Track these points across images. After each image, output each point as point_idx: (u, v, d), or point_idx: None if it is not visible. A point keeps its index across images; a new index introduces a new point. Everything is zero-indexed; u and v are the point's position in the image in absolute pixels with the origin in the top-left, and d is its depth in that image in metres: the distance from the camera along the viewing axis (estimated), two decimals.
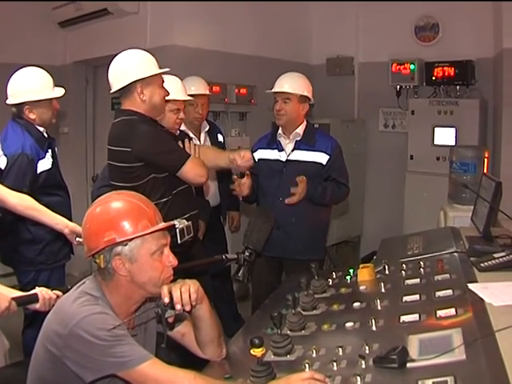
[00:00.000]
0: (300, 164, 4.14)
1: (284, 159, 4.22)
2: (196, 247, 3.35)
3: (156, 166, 3.32)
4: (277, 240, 3.95)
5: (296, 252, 4.15)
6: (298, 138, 4.22)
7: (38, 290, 2.51)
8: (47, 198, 3.74)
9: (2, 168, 3.76)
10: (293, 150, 4.21)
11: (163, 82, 3.47)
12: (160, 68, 3.44)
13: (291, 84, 4.18)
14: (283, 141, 4.28)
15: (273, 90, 4.24)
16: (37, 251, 3.91)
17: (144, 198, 2.20)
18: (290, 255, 4.18)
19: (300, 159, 4.16)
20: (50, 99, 3.94)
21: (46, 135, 4.00)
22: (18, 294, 2.50)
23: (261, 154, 4.32)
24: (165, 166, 3.35)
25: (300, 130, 4.24)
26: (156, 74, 3.39)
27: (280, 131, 4.30)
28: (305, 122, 4.29)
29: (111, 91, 3.45)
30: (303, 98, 4.21)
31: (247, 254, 2.81)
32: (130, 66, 3.36)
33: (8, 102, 3.90)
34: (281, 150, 4.26)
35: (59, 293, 2.51)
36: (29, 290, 2.57)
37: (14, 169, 3.72)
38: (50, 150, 3.98)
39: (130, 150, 3.26)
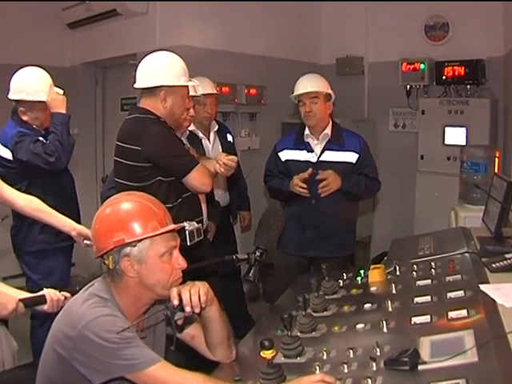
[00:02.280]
0: (331, 165, 4.10)
1: (314, 160, 4.17)
2: (202, 249, 3.33)
3: (163, 168, 3.31)
4: (311, 241, 4.06)
5: (329, 250, 4.16)
6: (328, 139, 4.19)
7: (45, 292, 2.51)
8: (51, 177, 3.95)
9: (10, 158, 3.91)
10: (323, 151, 4.17)
11: (189, 93, 3.49)
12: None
13: (315, 83, 4.16)
14: (312, 142, 4.22)
15: (300, 92, 4.18)
16: (37, 230, 3.98)
17: (154, 199, 2.19)
18: (323, 254, 4.14)
19: (331, 160, 4.13)
20: (44, 102, 3.99)
21: (42, 131, 4.06)
22: (26, 295, 2.50)
23: (288, 154, 4.28)
24: (172, 169, 3.34)
25: (328, 130, 4.21)
26: (183, 86, 3.40)
27: (307, 132, 4.24)
28: (331, 122, 4.26)
29: (135, 85, 3.46)
30: (328, 97, 4.19)
31: (258, 254, 2.80)
32: (160, 69, 3.37)
33: (9, 96, 4.01)
34: (310, 150, 4.20)
35: (67, 294, 2.51)
36: (36, 289, 2.58)
37: (19, 145, 3.87)
38: None
39: (139, 148, 3.26)
